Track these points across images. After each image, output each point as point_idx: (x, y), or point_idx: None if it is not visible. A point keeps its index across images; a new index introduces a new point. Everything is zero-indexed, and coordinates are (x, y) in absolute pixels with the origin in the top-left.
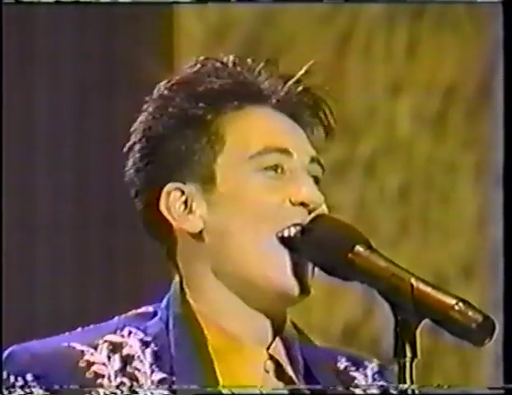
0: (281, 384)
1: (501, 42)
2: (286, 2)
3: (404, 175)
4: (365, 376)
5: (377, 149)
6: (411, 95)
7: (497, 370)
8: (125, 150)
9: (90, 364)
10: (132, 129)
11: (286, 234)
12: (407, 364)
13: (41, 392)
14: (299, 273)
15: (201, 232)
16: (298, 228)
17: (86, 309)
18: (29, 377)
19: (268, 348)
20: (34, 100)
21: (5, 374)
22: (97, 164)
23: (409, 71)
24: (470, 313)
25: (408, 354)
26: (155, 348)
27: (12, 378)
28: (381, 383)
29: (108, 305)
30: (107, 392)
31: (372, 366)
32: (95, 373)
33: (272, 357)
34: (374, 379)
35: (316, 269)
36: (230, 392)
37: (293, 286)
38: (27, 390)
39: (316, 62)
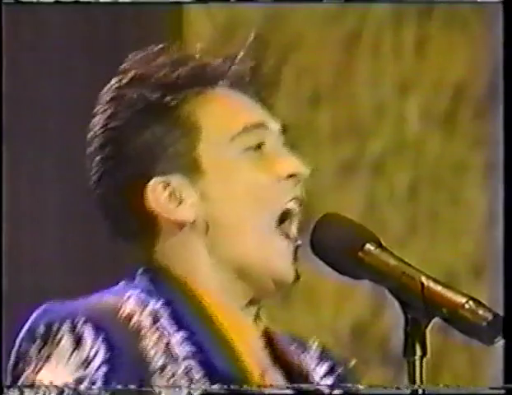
0: (271, 355)
1: (501, 42)
2: (287, 2)
3: (413, 174)
4: (311, 357)
5: (386, 148)
6: (419, 94)
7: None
8: (87, 154)
9: (129, 314)
10: (90, 135)
11: (288, 207)
12: (417, 363)
13: (93, 333)
14: (293, 259)
15: (194, 222)
16: (291, 202)
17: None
18: (79, 319)
19: (256, 320)
20: (35, 99)
21: (42, 328)
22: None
23: (418, 70)
24: (480, 312)
25: (418, 352)
26: (169, 310)
27: (56, 325)
28: (327, 363)
29: None
30: (150, 346)
31: (314, 347)
32: (138, 324)
33: (264, 330)
34: (319, 360)
35: (324, 265)
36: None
37: (290, 272)
38: (79, 332)
39: (258, 35)
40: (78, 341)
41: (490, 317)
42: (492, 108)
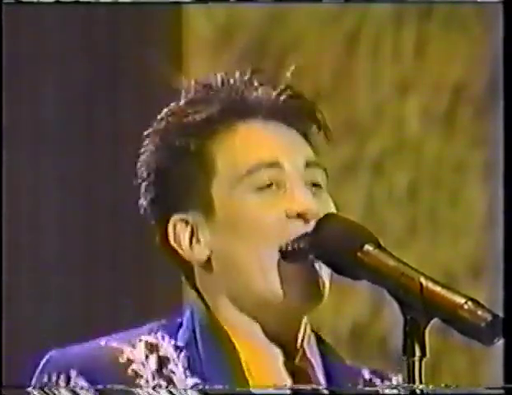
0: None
1: (501, 42)
2: (287, 2)
3: (413, 174)
4: (390, 389)
5: (385, 148)
6: (419, 94)
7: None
8: (138, 185)
9: (129, 361)
10: (138, 165)
11: (289, 248)
12: (416, 364)
13: (86, 385)
14: (308, 282)
15: (209, 260)
16: (300, 240)
17: (94, 314)
18: (72, 373)
19: (294, 358)
20: (35, 99)
21: (46, 377)
22: (103, 159)
23: (417, 70)
24: (479, 313)
25: (417, 353)
26: (188, 353)
27: (54, 377)
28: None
29: (114, 299)
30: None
31: (397, 378)
32: (135, 372)
33: (296, 365)
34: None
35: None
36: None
37: (300, 297)
38: (72, 384)
39: (298, 66)
40: (72, 394)
41: (489, 317)
42: (492, 108)
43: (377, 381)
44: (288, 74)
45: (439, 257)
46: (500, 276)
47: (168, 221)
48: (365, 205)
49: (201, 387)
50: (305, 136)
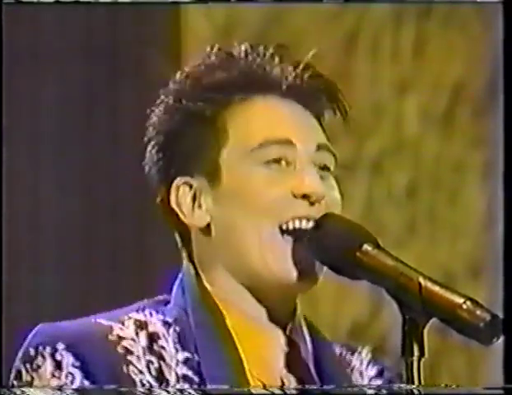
0: (295, 366)
1: (501, 42)
2: (287, 2)
3: (412, 174)
4: (361, 360)
5: (384, 148)
6: (418, 94)
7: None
8: (145, 143)
9: (120, 338)
10: (148, 124)
11: (290, 226)
12: (415, 363)
13: (72, 359)
14: (303, 262)
15: (208, 226)
16: (302, 221)
17: (94, 314)
18: (59, 345)
19: (285, 330)
20: (34, 99)
21: (32, 350)
22: (102, 160)
23: (416, 70)
24: (478, 312)
25: (416, 353)
26: (178, 329)
27: (41, 348)
28: (376, 367)
29: (113, 299)
30: (136, 371)
31: (365, 351)
32: (126, 348)
33: (289, 338)
34: (369, 362)
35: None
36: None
37: (295, 275)
38: (58, 357)
39: (322, 54)
40: (56, 368)
41: (487, 317)
42: (491, 108)
43: (347, 355)
44: (310, 55)
45: (438, 257)
46: (500, 276)
47: (172, 183)
48: (364, 205)
49: (194, 361)
50: (319, 119)
